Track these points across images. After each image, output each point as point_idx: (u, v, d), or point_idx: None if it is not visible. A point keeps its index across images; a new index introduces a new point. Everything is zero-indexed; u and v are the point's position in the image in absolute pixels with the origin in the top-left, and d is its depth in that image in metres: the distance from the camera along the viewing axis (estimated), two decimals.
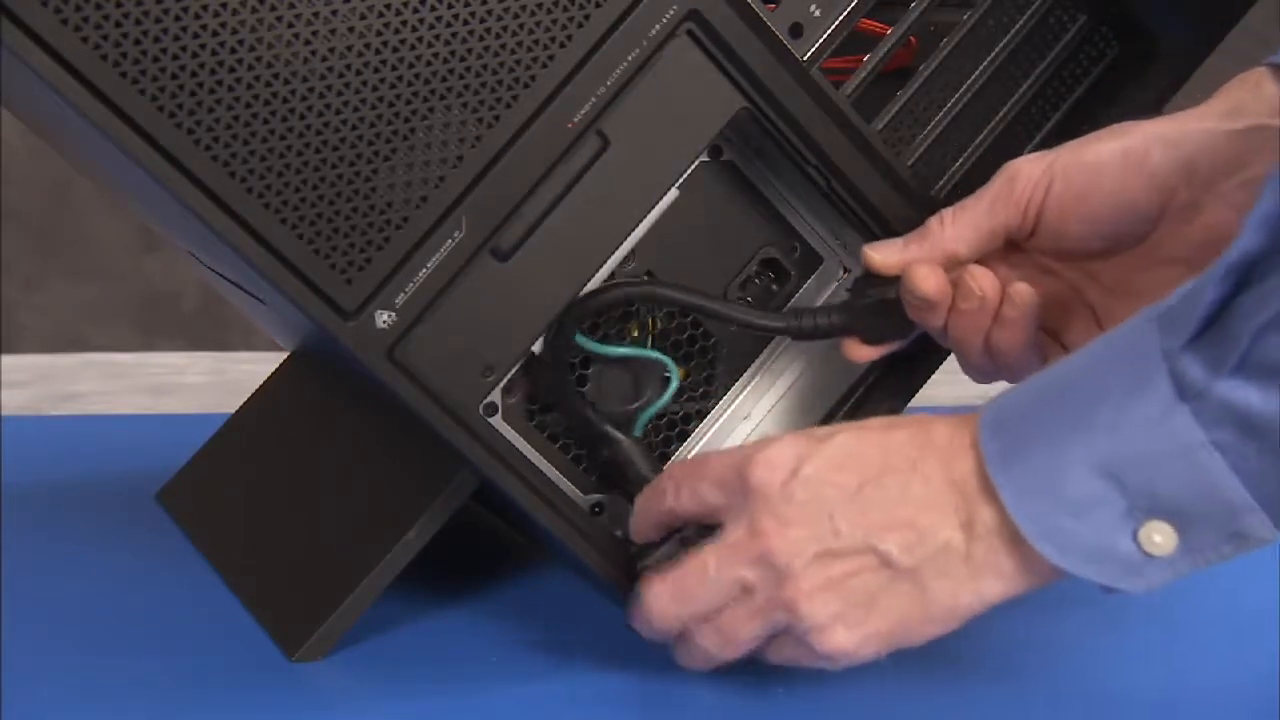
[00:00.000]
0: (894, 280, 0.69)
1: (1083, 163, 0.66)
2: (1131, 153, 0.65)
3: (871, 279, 0.70)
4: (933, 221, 0.69)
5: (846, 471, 0.61)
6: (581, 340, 0.69)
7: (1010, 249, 0.69)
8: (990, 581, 0.60)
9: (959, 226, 0.68)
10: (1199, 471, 0.54)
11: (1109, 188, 0.65)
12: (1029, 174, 0.67)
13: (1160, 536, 0.56)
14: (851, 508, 0.61)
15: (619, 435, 0.70)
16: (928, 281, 0.68)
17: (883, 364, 0.74)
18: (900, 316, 0.69)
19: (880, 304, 0.70)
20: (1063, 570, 0.57)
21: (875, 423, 0.63)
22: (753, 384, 0.75)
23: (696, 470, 0.65)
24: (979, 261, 0.68)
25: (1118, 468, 0.55)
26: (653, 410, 0.71)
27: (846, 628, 0.61)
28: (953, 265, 0.68)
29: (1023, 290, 0.67)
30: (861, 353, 0.71)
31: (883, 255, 0.70)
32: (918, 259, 0.68)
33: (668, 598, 0.64)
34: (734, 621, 0.63)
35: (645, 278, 0.71)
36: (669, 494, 0.66)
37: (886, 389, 0.76)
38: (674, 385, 0.71)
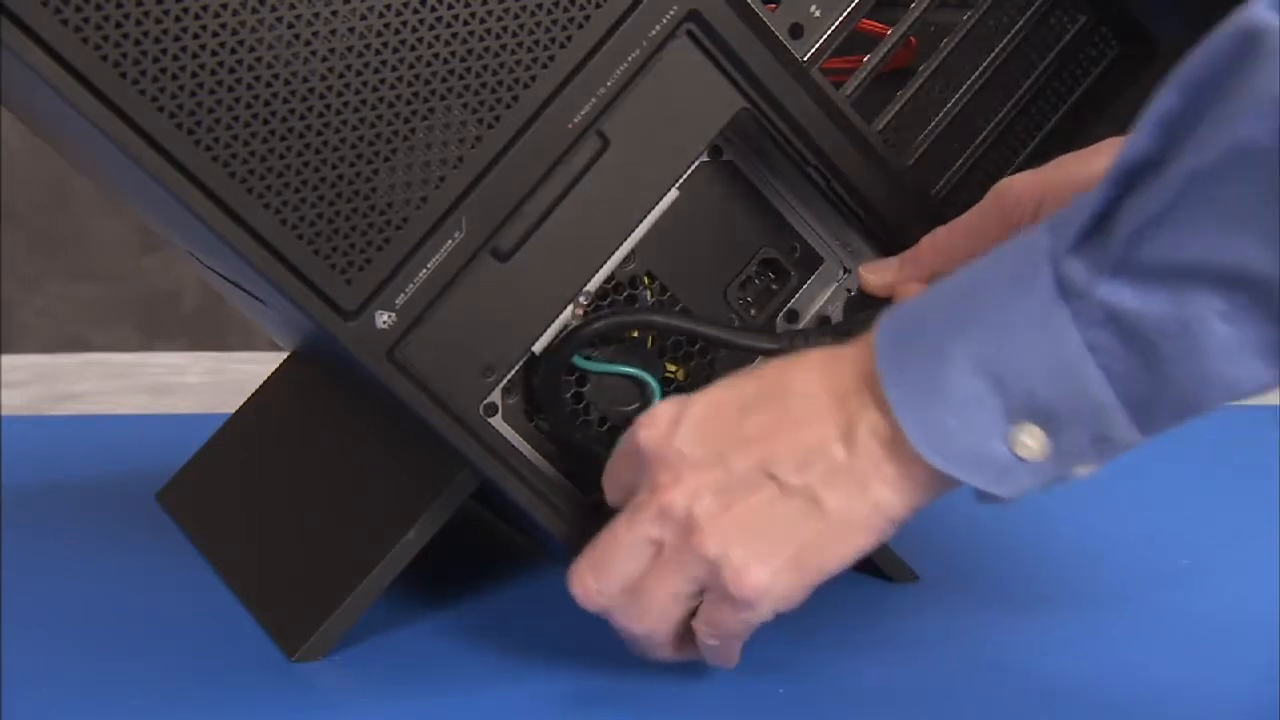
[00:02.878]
0: (886, 304, 0.69)
1: (1074, 181, 0.66)
2: None
3: (864, 301, 0.71)
4: (925, 242, 0.69)
5: (726, 407, 0.61)
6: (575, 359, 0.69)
7: None
8: (879, 489, 0.59)
9: (951, 247, 0.68)
10: (1070, 371, 0.54)
11: None
12: (1018, 193, 0.67)
13: (1030, 439, 0.56)
14: (739, 440, 0.61)
15: (605, 453, 0.70)
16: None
17: None
18: None
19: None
20: (943, 475, 0.57)
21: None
22: None
23: (612, 458, 0.66)
24: None
25: (997, 367, 0.55)
26: None
27: (758, 561, 0.60)
28: None
29: None
30: None
31: (877, 276, 0.70)
32: (911, 279, 0.68)
33: (588, 573, 0.64)
34: (652, 584, 0.63)
35: (639, 305, 0.71)
36: (605, 489, 0.67)
37: None
38: (656, 403, 0.71)
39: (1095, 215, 0.54)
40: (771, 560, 0.60)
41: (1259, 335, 0.52)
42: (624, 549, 0.63)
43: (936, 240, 0.69)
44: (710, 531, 0.61)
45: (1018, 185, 0.67)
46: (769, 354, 0.72)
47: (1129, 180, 0.54)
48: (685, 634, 0.65)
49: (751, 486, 0.60)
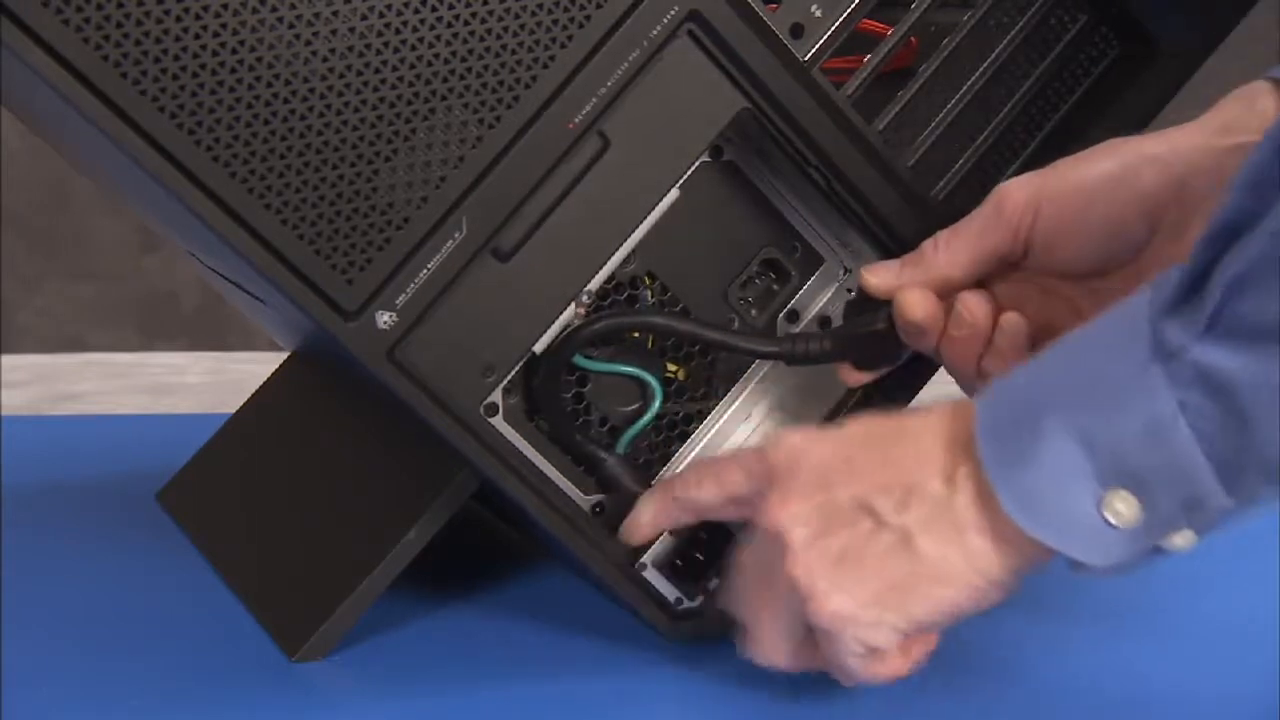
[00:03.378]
0: (884, 309, 0.69)
1: (1072, 185, 0.66)
2: (1122, 174, 0.65)
3: (863, 305, 0.71)
4: (926, 245, 0.69)
5: (846, 444, 0.62)
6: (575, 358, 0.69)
7: (1008, 269, 0.69)
8: (975, 538, 0.59)
9: (952, 251, 0.68)
10: (1161, 432, 0.54)
11: (1100, 210, 0.65)
12: (1017, 198, 0.67)
13: (1123, 505, 0.55)
14: (847, 475, 0.61)
15: (604, 455, 0.70)
16: (917, 309, 0.68)
17: None
18: (891, 343, 0.70)
19: (872, 332, 0.70)
20: (1035, 540, 0.57)
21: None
22: (753, 384, 0.75)
23: (719, 461, 0.67)
24: (978, 284, 0.69)
25: (1090, 430, 0.55)
26: (637, 429, 0.72)
27: (840, 591, 0.61)
28: (948, 289, 0.68)
29: (1013, 320, 0.67)
30: (854, 377, 0.72)
31: (878, 279, 0.70)
32: (912, 283, 0.69)
33: (727, 597, 0.66)
34: (759, 606, 0.63)
35: (640, 305, 0.71)
36: (690, 484, 0.67)
37: (889, 388, 0.76)
38: (657, 405, 0.71)
39: (1191, 276, 0.54)
40: (855, 592, 0.61)
41: None
42: (744, 570, 0.64)
43: (937, 243, 0.69)
44: (801, 557, 0.61)
45: (1015, 189, 0.67)
46: (768, 357, 0.73)
47: (1223, 241, 0.53)
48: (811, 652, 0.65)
49: (850, 519, 0.61)
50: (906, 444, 0.61)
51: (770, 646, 0.64)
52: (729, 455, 0.67)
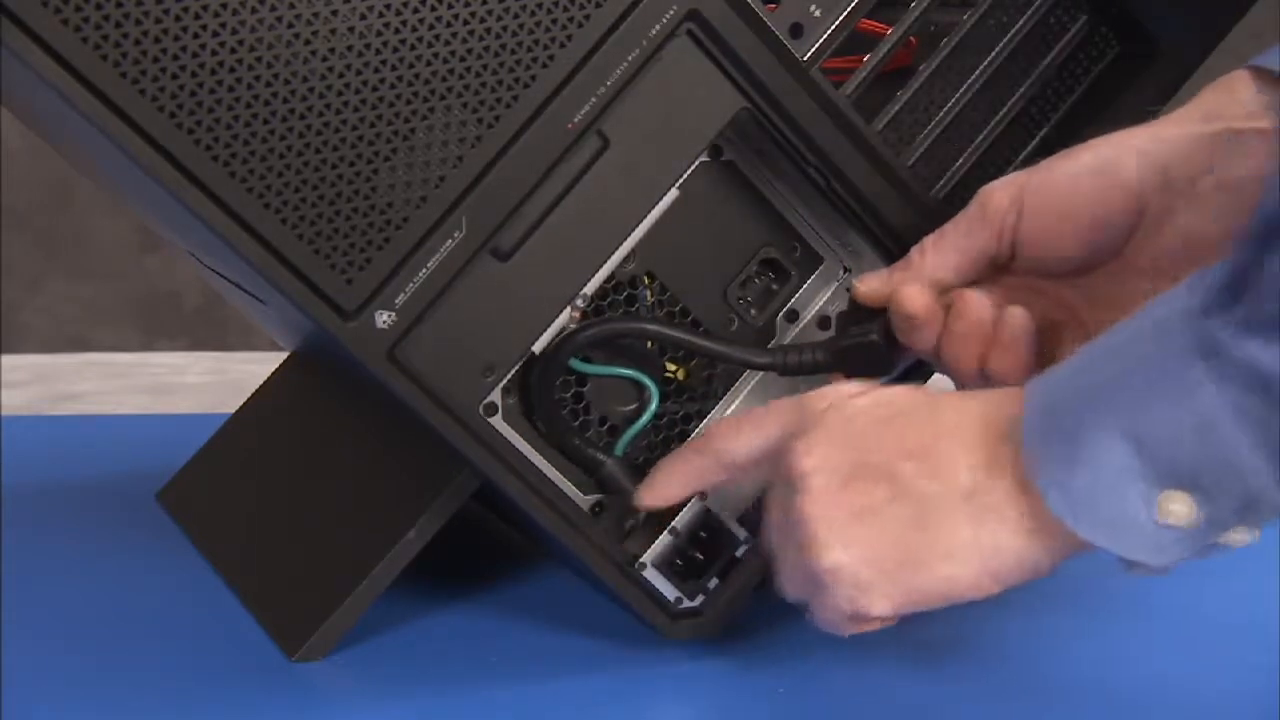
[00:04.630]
0: (876, 320, 0.69)
1: (1056, 180, 0.66)
2: (1105, 165, 0.65)
3: (855, 317, 0.71)
4: (914, 251, 0.69)
5: (884, 405, 0.61)
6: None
7: (999, 272, 0.69)
8: (995, 529, 0.58)
9: (940, 253, 0.68)
10: (1211, 432, 0.53)
11: (1084, 202, 0.65)
12: (1000, 197, 0.67)
13: (1178, 506, 0.54)
14: (879, 437, 0.60)
15: (601, 457, 0.70)
16: (915, 301, 0.68)
17: None
18: (885, 355, 0.70)
19: (864, 344, 0.70)
20: (1073, 539, 0.56)
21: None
22: (752, 384, 0.75)
23: (754, 411, 0.66)
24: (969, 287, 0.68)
25: (1140, 432, 0.54)
26: (634, 430, 0.72)
27: (842, 545, 0.60)
28: (940, 292, 0.68)
29: (1017, 313, 0.67)
30: None
31: (868, 286, 0.70)
32: (900, 286, 0.69)
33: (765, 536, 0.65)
34: (780, 543, 0.63)
35: (639, 306, 0.71)
36: (728, 435, 0.66)
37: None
38: (654, 406, 0.71)
39: (1232, 274, 0.53)
40: (856, 549, 0.60)
41: None
42: (768, 508, 0.64)
43: (924, 248, 0.69)
44: (815, 501, 0.60)
45: (998, 188, 0.67)
46: (761, 368, 0.72)
47: (1265, 237, 0.52)
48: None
49: (873, 479, 0.60)
50: (945, 418, 0.60)
51: (789, 584, 0.63)
52: (763, 407, 0.66)
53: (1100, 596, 0.80)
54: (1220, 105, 0.64)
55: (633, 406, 0.72)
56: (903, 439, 0.60)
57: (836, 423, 0.61)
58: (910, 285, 0.68)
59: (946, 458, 0.59)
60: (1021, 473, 0.57)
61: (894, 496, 0.59)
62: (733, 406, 0.74)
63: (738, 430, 0.66)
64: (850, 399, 0.62)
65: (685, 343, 0.71)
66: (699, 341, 0.71)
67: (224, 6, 0.59)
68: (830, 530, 0.60)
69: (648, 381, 0.72)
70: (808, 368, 0.70)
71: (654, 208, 0.69)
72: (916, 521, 0.59)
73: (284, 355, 0.92)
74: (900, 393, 0.62)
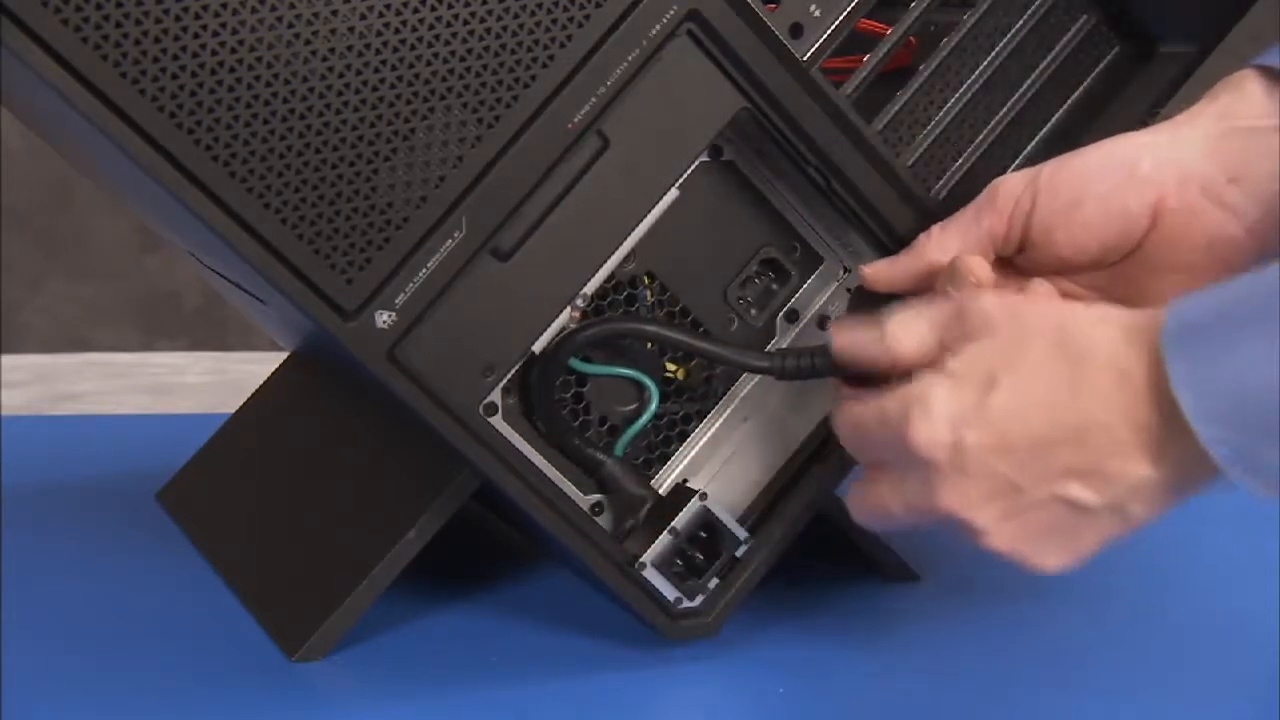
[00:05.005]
0: (889, 300, 0.69)
1: (1071, 169, 0.66)
2: (1121, 160, 0.65)
3: (864, 299, 0.71)
4: (921, 236, 0.69)
5: (1011, 436, 0.58)
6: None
7: (1009, 267, 0.69)
8: (1175, 497, 0.57)
9: (947, 237, 0.68)
10: None
11: (1099, 193, 0.65)
12: (1012, 186, 0.67)
13: None
14: (1028, 466, 0.58)
15: (601, 457, 0.70)
16: (983, 267, 0.66)
17: None
18: None
19: None
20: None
21: (1028, 353, 0.58)
22: (752, 384, 0.75)
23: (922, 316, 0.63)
24: None
25: None
26: (634, 430, 0.72)
27: (1057, 556, 0.59)
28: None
29: (1041, 283, 0.66)
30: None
31: (874, 270, 0.70)
32: (907, 271, 0.68)
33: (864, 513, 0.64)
34: (883, 477, 0.62)
35: (639, 306, 0.71)
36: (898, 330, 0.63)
37: None
38: (654, 406, 0.71)
39: None
40: (1068, 554, 0.59)
41: None
42: (871, 423, 0.62)
43: (932, 236, 0.69)
44: (998, 533, 0.59)
45: (1010, 180, 0.67)
46: (758, 372, 0.72)
47: None
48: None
49: (1039, 505, 0.58)
50: (1097, 400, 0.56)
51: (883, 512, 0.62)
52: (874, 407, 0.62)
53: (1098, 596, 0.80)
54: (1232, 105, 0.64)
55: (633, 406, 0.72)
56: (1059, 458, 0.57)
57: (972, 469, 0.58)
58: (912, 279, 0.68)
59: (1116, 471, 0.57)
60: (1198, 458, 0.54)
61: (1073, 513, 0.58)
62: (732, 406, 0.74)
63: (908, 329, 0.63)
64: (962, 435, 0.58)
65: (683, 344, 0.71)
66: (697, 343, 0.71)
67: (224, 6, 0.59)
68: (1030, 552, 0.60)
69: (648, 381, 0.72)
70: (805, 372, 0.70)
71: (654, 208, 0.69)
72: (1118, 520, 0.58)
73: (284, 355, 0.92)
74: (1013, 411, 0.58)
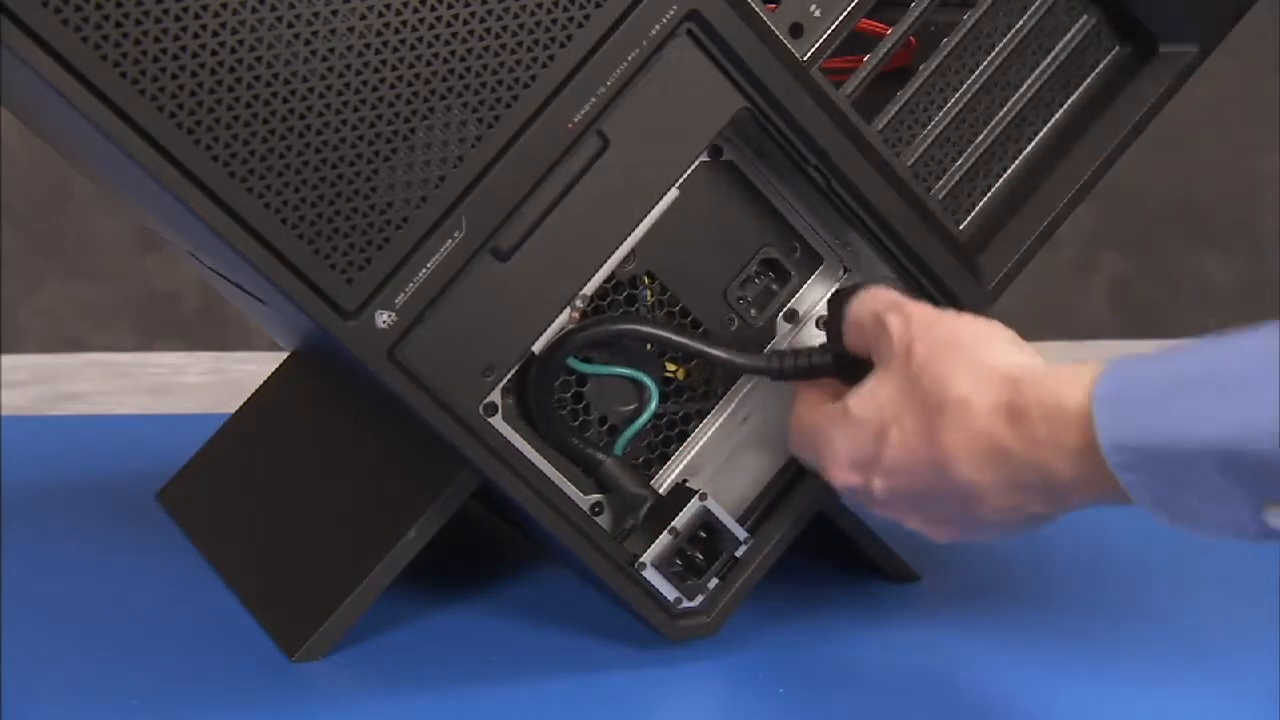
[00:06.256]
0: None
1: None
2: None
3: (837, 321, 0.70)
4: None
5: (907, 488, 0.63)
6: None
7: None
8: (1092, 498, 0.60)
9: None
10: None
11: None
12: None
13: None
14: (930, 500, 0.63)
15: (601, 457, 0.70)
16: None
17: None
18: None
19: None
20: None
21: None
22: (752, 384, 0.75)
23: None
24: None
25: (1242, 463, 0.53)
26: (634, 430, 0.72)
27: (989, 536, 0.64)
28: None
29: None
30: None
31: None
32: None
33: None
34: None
35: (640, 305, 0.71)
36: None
37: None
38: (653, 406, 0.71)
39: None
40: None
41: None
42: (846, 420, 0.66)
43: None
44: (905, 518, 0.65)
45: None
46: (754, 373, 0.72)
47: None
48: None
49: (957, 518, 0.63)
50: (1038, 448, 0.59)
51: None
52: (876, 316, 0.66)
53: (1098, 598, 0.80)
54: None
55: (632, 406, 0.72)
56: (997, 497, 0.61)
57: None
58: None
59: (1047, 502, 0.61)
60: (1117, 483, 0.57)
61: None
62: (732, 406, 0.74)
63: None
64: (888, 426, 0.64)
65: (679, 345, 0.71)
66: (693, 344, 0.71)
67: (224, 6, 0.59)
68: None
69: (648, 381, 0.72)
70: (803, 372, 0.70)
71: (654, 208, 0.69)
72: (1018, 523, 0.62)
73: (284, 355, 0.92)
74: (992, 397, 0.61)
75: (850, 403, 0.65)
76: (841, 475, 0.65)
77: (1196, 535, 0.56)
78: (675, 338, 0.70)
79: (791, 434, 0.70)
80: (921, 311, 0.65)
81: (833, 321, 0.69)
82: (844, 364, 0.70)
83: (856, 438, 0.64)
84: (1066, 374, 0.58)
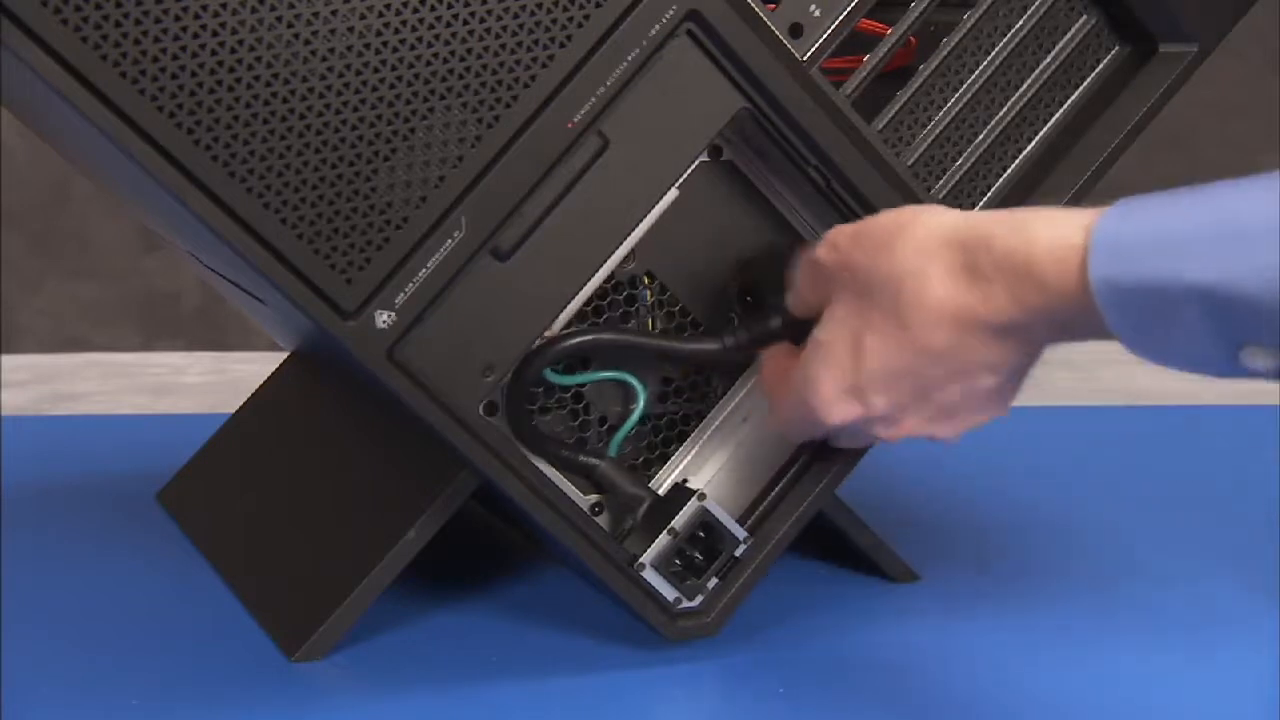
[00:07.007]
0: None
1: None
2: None
3: (770, 282, 0.71)
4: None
5: (900, 385, 0.64)
6: (547, 374, 0.69)
7: None
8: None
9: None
10: None
11: None
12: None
13: (1260, 358, 0.54)
14: (920, 384, 0.63)
15: (595, 462, 0.70)
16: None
17: None
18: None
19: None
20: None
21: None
22: (751, 384, 0.75)
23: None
24: None
25: (1223, 308, 0.54)
26: (624, 431, 0.72)
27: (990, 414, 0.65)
28: None
29: None
30: None
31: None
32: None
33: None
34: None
35: (638, 305, 0.71)
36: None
37: None
38: (640, 405, 0.71)
39: None
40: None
41: None
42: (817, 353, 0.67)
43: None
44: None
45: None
46: (710, 358, 0.72)
47: None
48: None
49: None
50: (1004, 291, 0.59)
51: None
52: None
53: (1099, 597, 0.80)
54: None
55: (631, 407, 0.72)
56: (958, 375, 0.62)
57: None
58: None
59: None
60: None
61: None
62: (732, 406, 0.74)
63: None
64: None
65: (639, 345, 0.70)
66: (650, 342, 0.70)
67: (224, 6, 0.59)
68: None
69: (633, 382, 0.72)
70: (746, 344, 0.70)
71: (654, 208, 0.69)
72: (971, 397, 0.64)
73: (284, 355, 0.92)
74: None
75: (817, 334, 0.65)
76: (838, 410, 0.65)
77: (1164, 366, 0.57)
78: (638, 340, 0.70)
79: (772, 404, 0.70)
80: (843, 232, 0.66)
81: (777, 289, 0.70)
82: (793, 325, 0.69)
83: (835, 363, 0.65)
84: (1021, 220, 0.59)
